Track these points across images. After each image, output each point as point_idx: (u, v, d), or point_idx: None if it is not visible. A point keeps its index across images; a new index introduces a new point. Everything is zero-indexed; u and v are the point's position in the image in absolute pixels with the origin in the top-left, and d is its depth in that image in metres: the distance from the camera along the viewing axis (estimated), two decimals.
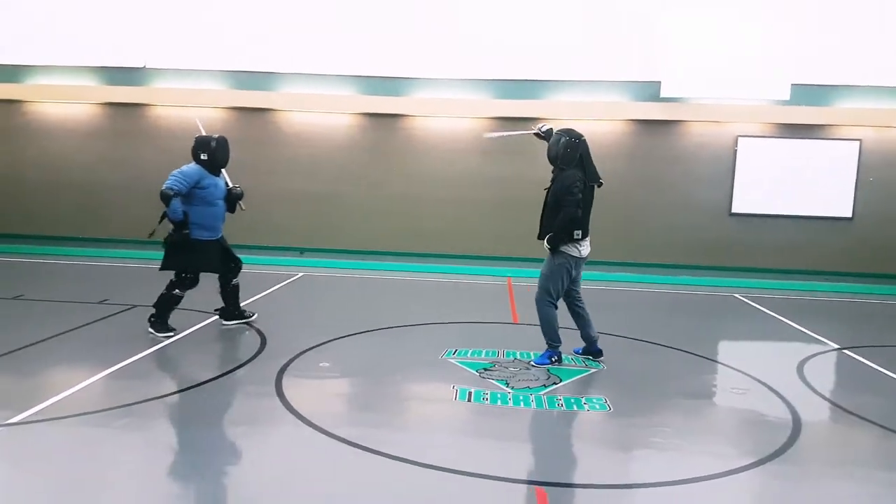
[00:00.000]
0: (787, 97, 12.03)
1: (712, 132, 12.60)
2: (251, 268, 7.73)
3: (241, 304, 7.83)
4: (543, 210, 6.54)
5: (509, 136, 7.90)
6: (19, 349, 6.44)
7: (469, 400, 5.52)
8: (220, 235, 7.37)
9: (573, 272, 6.51)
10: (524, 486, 4.11)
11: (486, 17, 12.65)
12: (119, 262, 12.11)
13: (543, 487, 4.06)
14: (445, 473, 4.16)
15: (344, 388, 5.98)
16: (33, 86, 13.37)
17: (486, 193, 12.84)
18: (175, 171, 6.95)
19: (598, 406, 5.49)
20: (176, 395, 5.47)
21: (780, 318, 9.40)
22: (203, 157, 7.15)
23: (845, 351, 7.69)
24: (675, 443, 4.89)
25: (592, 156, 6.50)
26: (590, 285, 11.09)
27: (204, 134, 7.35)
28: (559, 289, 6.48)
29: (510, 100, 12.51)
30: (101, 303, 8.59)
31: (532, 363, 6.54)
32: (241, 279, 7.72)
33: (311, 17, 12.87)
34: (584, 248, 6.45)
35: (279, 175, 13.02)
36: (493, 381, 5.98)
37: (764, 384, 6.24)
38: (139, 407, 5.08)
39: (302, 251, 13.11)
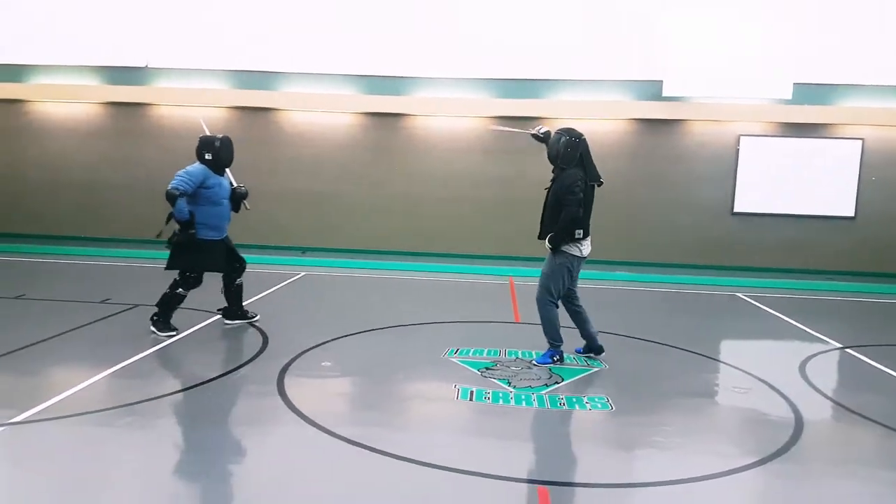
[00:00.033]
0: (790, 96, 12.04)
1: (714, 131, 12.60)
2: (253, 267, 7.74)
3: (244, 304, 7.83)
4: (544, 210, 6.54)
5: (513, 132, 7.89)
6: (21, 348, 6.45)
7: (471, 399, 5.52)
8: (225, 235, 7.39)
9: (574, 271, 6.51)
10: (526, 486, 4.11)
11: (488, 16, 12.66)
12: (121, 262, 12.12)
13: (545, 486, 4.06)
14: (447, 472, 4.15)
15: (346, 388, 5.98)
16: (35, 85, 13.39)
17: (487, 192, 12.85)
18: (180, 172, 6.95)
19: (599, 405, 5.49)
20: (178, 395, 5.47)
21: (782, 317, 9.39)
22: (207, 156, 7.15)
23: (847, 350, 7.68)
24: (677, 442, 4.88)
25: (593, 155, 6.49)
26: (592, 284, 11.14)
27: (208, 134, 7.35)
28: (560, 288, 6.48)
29: (512, 99, 12.52)
30: (102, 302, 8.59)
31: (534, 362, 6.54)
32: (243, 278, 7.72)
33: (313, 17, 12.89)
34: (585, 248, 6.45)
35: (281, 174, 13.04)
36: (495, 381, 5.98)
37: (766, 383, 6.23)
38: (141, 406, 5.09)
39: (303, 250, 13.12)
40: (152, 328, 7.10)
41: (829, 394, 6.18)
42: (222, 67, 13.14)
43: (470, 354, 6.78)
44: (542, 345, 6.66)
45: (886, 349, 7.72)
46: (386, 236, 13.20)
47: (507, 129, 8.03)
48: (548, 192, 6.54)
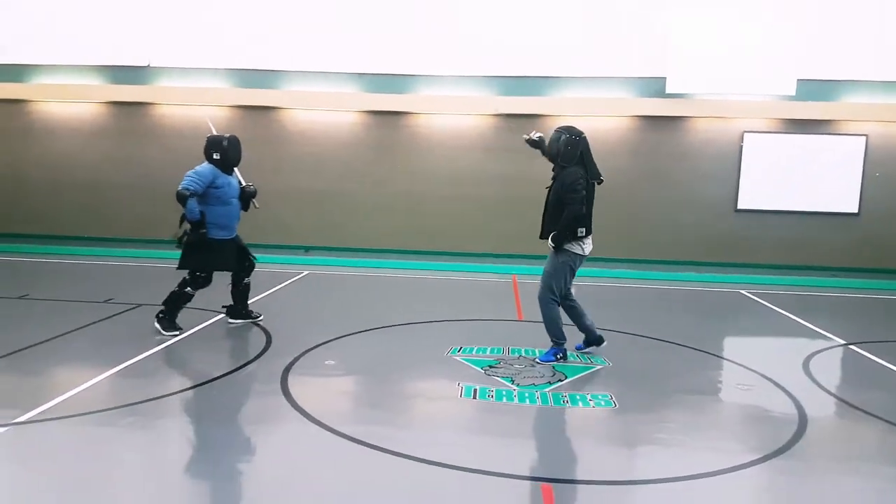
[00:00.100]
0: (793, 92, 12.00)
1: (718, 128, 12.57)
2: (256, 266, 7.74)
3: (248, 303, 7.85)
4: (545, 209, 6.54)
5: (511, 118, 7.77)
6: (25, 348, 6.46)
7: (474, 397, 5.53)
8: (235, 234, 7.41)
9: (576, 270, 6.52)
10: (530, 483, 4.12)
11: (490, 13, 12.63)
12: (124, 262, 12.14)
13: (549, 484, 4.06)
14: (451, 470, 4.16)
15: (349, 386, 5.99)
16: (37, 85, 13.40)
17: (490, 190, 12.84)
18: (189, 172, 6.97)
19: (603, 402, 5.49)
20: (182, 394, 5.48)
21: (785, 313, 9.38)
22: (216, 156, 7.16)
23: (851, 347, 7.67)
24: (681, 439, 4.88)
25: (595, 152, 6.49)
26: (595, 282, 11.16)
27: (215, 133, 7.37)
28: (562, 286, 6.49)
29: (515, 96, 12.49)
30: (106, 302, 8.61)
31: (537, 360, 6.55)
32: (251, 278, 7.72)
33: (315, 15, 12.87)
34: (587, 246, 6.45)
35: (284, 173, 13.03)
36: (499, 379, 5.98)
37: (770, 380, 6.23)
38: (145, 405, 5.10)
39: (307, 249, 13.12)
40: (157, 325, 7.11)
41: (833, 390, 6.18)
42: (225, 66, 13.13)
43: (473, 353, 6.79)
44: (546, 343, 6.65)
45: (890, 345, 7.71)
46: (389, 235, 13.20)
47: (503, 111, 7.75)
48: (549, 191, 6.54)
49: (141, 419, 4.85)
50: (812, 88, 12.18)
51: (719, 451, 4.64)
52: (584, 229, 6.30)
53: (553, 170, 6.57)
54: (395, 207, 13.15)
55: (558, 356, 6.53)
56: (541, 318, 6.61)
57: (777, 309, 9.68)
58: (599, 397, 5.60)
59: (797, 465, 4.48)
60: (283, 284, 10.23)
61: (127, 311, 8.15)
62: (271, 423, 4.99)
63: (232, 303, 7.68)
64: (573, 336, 6.83)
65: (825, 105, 12.19)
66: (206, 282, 7.22)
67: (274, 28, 12.94)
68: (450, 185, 12.99)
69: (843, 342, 7.84)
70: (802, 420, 5.23)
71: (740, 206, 12.65)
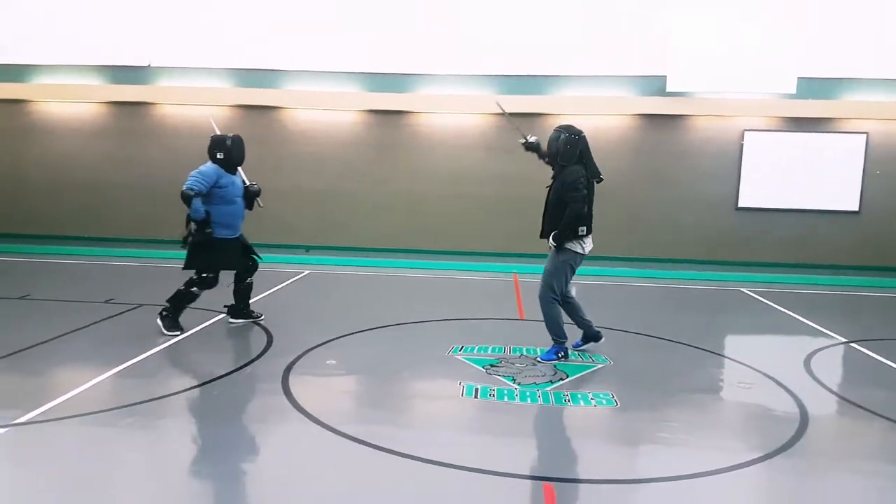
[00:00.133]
0: (794, 91, 11.99)
1: (718, 126, 12.57)
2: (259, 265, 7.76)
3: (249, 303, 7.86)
4: (545, 208, 6.54)
5: (511, 119, 7.73)
6: (26, 349, 6.46)
7: (476, 396, 5.53)
8: (239, 233, 7.42)
9: (576, 268, 6.53)
10: (531, 482, 4.12)
11: (491, 12, 12.63)
12: (124, 262, 12.14)
13: (551, 483, 4.06)
14: (452, 470, 4.16)
15: (350, 386, 5.98)
16: (37, 85, 13.40)
17: (491, 189, 12.83)
18: (193, 172, 6.98)
19: (604, 401, 5.49)
20: (183, 394, 5.47)
21: (786, 311, 9.38)
22: (219, 156, 7.18)
23: (852, 344, 7.67)
24: (682, 437, 4.88)
25: (595, 151, 6.49)
26: (596, 281, 11.16)
27: (219, 133, 7.37)
28: (563, 285, 6.50)
29: (515, 95, 12.48)
30: (106, 302, 8.61)
31: (538, 359, 6.54)
32: (253, 278, 7.72)
33: (315, 15, 12.87)
34: (588, 245, 6.46)
35: (284, 172, 13.03)
36: (500, 378, 5.98)
37: (771, 378, 6.23)
38: (146, 406, 5.10)
39: (307, 248, 13.12)
40: (159, 323, 7.11)
41: (834, 388, 6.17)
42: (225, 66, 13.14)
43: (474, 352, 6.79)
44: (547, 341, 6.65)
45: (891, 343, 7.71)
46: (390, 234, 13.20)
47: (507, 112, 7.82)
48: (549, 190, 6.55)
49: (141, 419, 4.85)
50: (812, 86, 12.17)
51: (721, 450, 4.63)
52: (584, 228, 6.31)
53: (553, 169, 6.58)
54: (395, 207, 13.15)
55: (559, 355, 6.53)
56: (542, 317, 6.62)
57: (778, 307, 9.68)
58: (601, 396, 5.60)
59: (799, 464, 4.48)
60: (283, 284, 10.23)
61: (127, 311, 8.15)
62: (272, 422, 4.99)
63: (233, 302, 7.68)
64: (573, 334, 6.83)
65: (825, 103, 12.19)
66: (214, 282, 7.24)
67: (274, 27, 12.94)
68: (451, 184, 12.99)
69: (844, 340, 7.84)
70: (804, 418, 5.23)
71: (741, 204, 12.65)
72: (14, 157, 13.67)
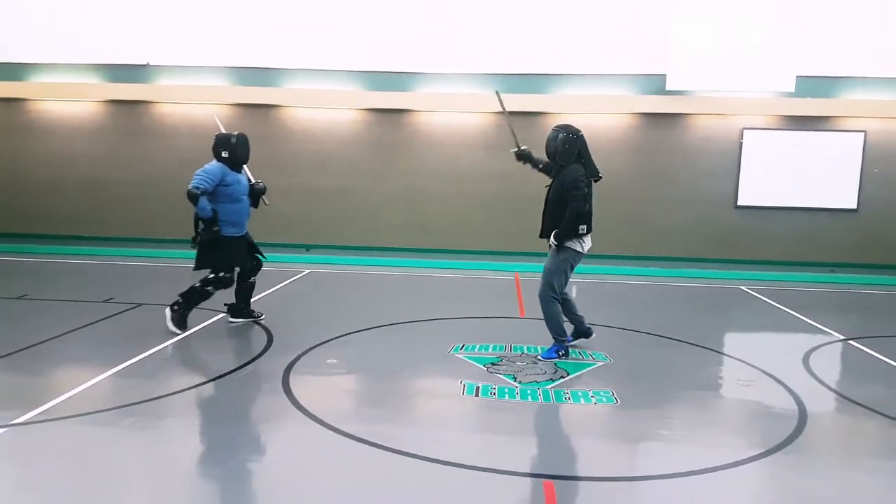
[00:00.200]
0: (793, 89, 11.99)
1: (718, 125, 12.57)
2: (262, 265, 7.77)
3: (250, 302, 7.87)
4: (545, 208, 6.55)
5: (509, 115, 7.53)
6: (25, 349, 6.46)
7: (477, 395, 5.53)
8: (245, 231, 7.45)
9: (575, 267, 6.55)
10: (532, 480, 4.13)
11: (491, 11, 12.62)
12: (123, 261, 12.14)
13: (551, 480, 4.07)
14: (453, 468, 4.17)
15: (351, 385, 5.99)
16: (36, 84, 13.39)
17: (491, 188, 12.83)
18: (198, 171, 7.00)
19: (605, 399, 5.50)
20: (183, 393, 5.47)
21: (785, 309, 9.39)
22: (224, 154, 7.19)
23: (851, 342, 7.68)
24: (682, 435, 4.90)
25: (596, 150, 6.50)
26: (595, 279, 11.16)
27: (223, 131, 7.38)
28: (563, 284, 6.52)
29: (515, 94, 12.47)
30: (106, 301, 8.61)
31: (539, 357, 6.56)
32: (256, 277, 7.73)
33: (316, 13, 12.86)
34: (587, 244, 6.48)
35: (285, 171, 13.01)
36: (501, 376, 5.99)
37: (770, 375, 6.24)
38: (146, 405, 5.10)
39: (307, 248, 13.12)
40: (168, 313, 7.11)
41: (833, 385, 6.19)
42: (225, 64, 13.13)
43: (475, 350, 6.80)
44: (548, 340, 6.67)
45: (889, 340, 7.73)
46: (390, 232, 13.20)
47: (506, 110, 7.65)
48: (548, 189, 6.56)
49: (142, 419, 4.85)
50: (811, 85, 12.18)
51: (720, 447, 4.65)
52: (584, 227, 6.33)
53: (553, 168, 6.59)
54: (396, 205, 13.15)
55: (560, 353, 6.55)
56: (542, 316, 6.63)
57: (777, 305, 9.69)
58: (601, 394, 5.61)
59: (798, 461, 4.49)
60: (284, 283, 10.24)
61: (127, 310, 8.16)
62: (273, 422, 5.00)
63: (234, 301, 7.69)
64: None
65: (824, 101, 12.20)
66: (231, 282, 7.30)
67: (274, 26, 12.93)
68: (451, 183, 12.99)
69: (842, 337, 7.86)
70: (803, 415, 5.24)
71: (740, 202, 12.66)
72: (12, 156, 13.65)
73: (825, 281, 11.85)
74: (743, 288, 11.03)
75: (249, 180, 7.53)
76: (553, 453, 4.64)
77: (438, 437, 4.74)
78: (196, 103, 12.99)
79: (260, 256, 7.69)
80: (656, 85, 12.39)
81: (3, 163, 13.67)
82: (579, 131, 6.43)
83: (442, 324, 8.03)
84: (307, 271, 11.42)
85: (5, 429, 4.59)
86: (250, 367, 6.21)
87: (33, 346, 6.55)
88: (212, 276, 7.18)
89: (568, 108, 12.28)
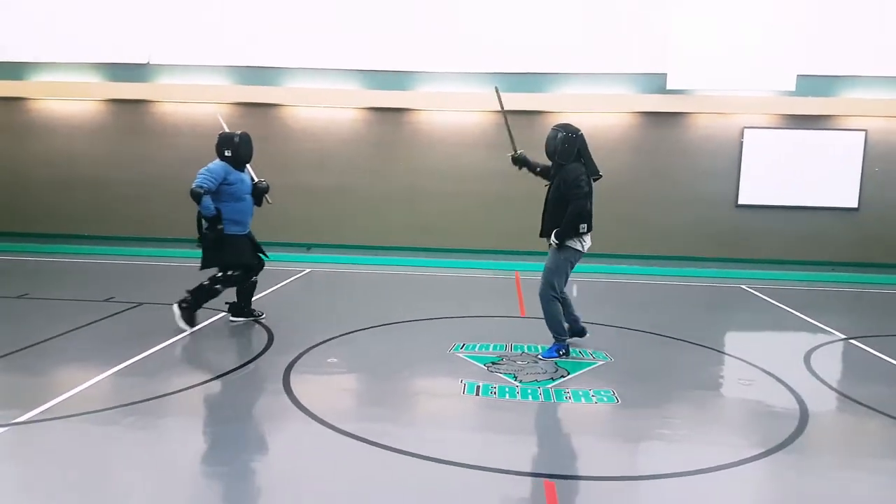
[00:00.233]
0: (793, 88, 12.00)
1: (718, 124, 12.57)
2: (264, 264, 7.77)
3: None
4: (545, 207, 6.55)
5: (506, 116, 7.46)
6: (26, 348, 6.46)
7: (477, 394, 5.53)
8: (249, 230, 7.48)
9: (574, 266, 6.55)
10: (532, 479, 4.12)
11: (491, 10, 12.62)
12: (123, 260, 12.13)
13: (552, 480, 4.07)
14: (454, 467, 4.16)
15: (352, 384, 5.99)
16: (37, 83, 13.39)
17: (492, 187, 12.82)
18: (202, 170, 7.02)
19: (605, 398, 5.50)
20: (184, 392, 5.46)
21: (786, 308, 9.39)
22: (227, 153, 7.21)
23: (852, 341, 7.68)
24: (683, 434, 4.89)
25: (596, 148, 6.50)
26: (596, 278, 11.15)
27: (227, 131, 7.39)
28: (563, 283, 6.52)
29: (516, 93, 12.46)
30: (106, 301, 8.60)
31: (540, 356, 6.55)
32: (257, 276, 7.73)
33: (316, 12, 12.87)
34: (587, 243, 6.49)
35: (285, 170, 13.00)
36: (501, 375, 5.99)
37: (771, 375, 6.24)
38: (147, 404, 5.10)
39: (308, 247, 13.12)
40: (177, 312, 7.11)
41: (834, 385, 6.19)
42: (225, 63, 13.13)
43: (476, 349, 6.79)
44: (548, 339, 6.67)
45: (890, 339, 7.72)
46: (391, 232, 13.20)
47: (504, 109, 7.58)
48: (548, 189, 6.56)
49: (142, 418, 4.85)
50: (812, 84, 12.18)
51: (721, 446, 4.64)
52: (585, 225, 6.33)
53: (552, 167, 6.59)
54: (396, 204, 13.16)
55: (561, 352, 6.54)
56: (542, 315, 6.63)
57: (778, 304, 9.69)
58: (602, 393, 5.61)
59: (799, 460, 4.49)
60: (285, 282, 10.24)
61: (128, 309, 8.15)
62: (274, 421, 5.00)
63: (235, 300, 7.69)
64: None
65: (825, 100, 12.20)
66: (240, 280, 7.35)
67: (274, 25, 12.94)
68: (452, 182, 13.00)
69: (843, 337, 7.85)
70: (804, 415, 5.24)
71: (741, 201, 12.67)
72: (13, 155, 13.66)
73: (826, 280, 11.85)
74: (744, 287, 11.02)
75: (253, 179, 7.55)
76: (554, 453, 4.64)
77: (439, 436, 4.73)
78: (197, 102, 12.99)
79: (262, 256, 7.69)
80: (656, 84, 12.39)
81: (4, 162, 13.67)
82: (579, 130, 6.43)
83: (442, 323, 8.02)
84: (308, 270, 11.41)
85: (6, 428, 4.58)
86: (251, 366, 6.21)
87: (34, 345, 6.55)
88: (220, 274, 7.22)
89: (568, 107, 12.28)
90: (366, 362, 6.43)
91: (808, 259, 12.57)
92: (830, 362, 7.02)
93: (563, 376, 6.00)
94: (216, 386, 5.66)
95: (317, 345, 6.81)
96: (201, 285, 7.19)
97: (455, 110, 12.86)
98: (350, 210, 13.25)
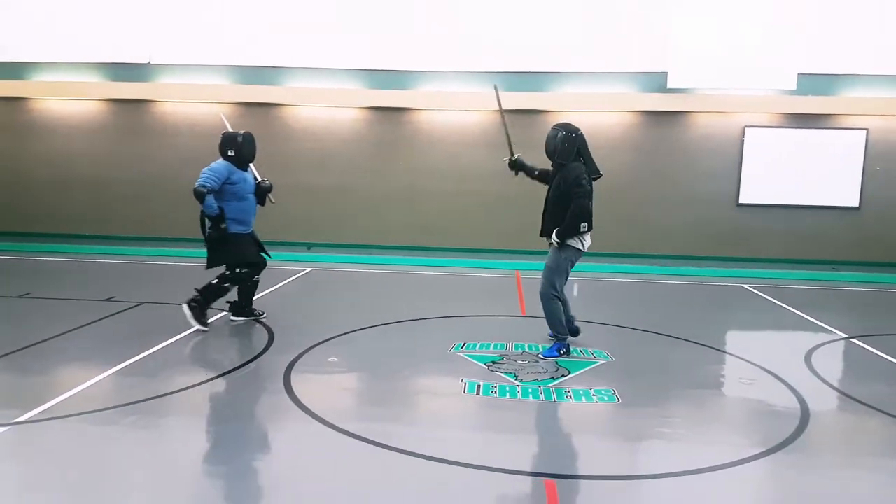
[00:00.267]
0: (794, 87, 12.00)
1: (719, 123, 12.57)
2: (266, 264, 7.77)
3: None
4: (545, 207, 6.55)
5: (504, 116, 7.43)
6: (26, 347, 6.46)
7: (478, 393, 5.53)
8: (251, 229, 7.49)
9: (574, 265, 6.55)
10: (533, 479, 4.12)
11: (492, 10, 12.62)
12: (124, 259, 12.12)
13: (552, 479, 4.06)
14: (454, 467, 4.16)
15: (352, 383, 5.99)
16: (37, 82, 13.40)
17: (492, 187, 12.82)
18: (205, 169, 7.03)
19: (606, 397, 5.49)
20: (185, 391, 5.46)
21: (787, 307, 9.38)
22: (230, 153, 7.21)
23: (853, 340, 7.67)
24: (684, 433, 4.89)
25: (597, 147, 6.50)
26: (596, 277, 11.15)
27: (230, 130, 7.39)
28: (564, 282, 6.53)
29: (517, 92, 12.47)
30: (107, 300, 8.60)
31: (540, 356, 6.55)
32: (259, 276, 7.73)
33: (316, 12, 12.87)
34: (587, 242, 6.49)
35: (285, 170, 13.00)
36: (502, 374, 5.98)
37: (772, 374, 6.23)
38: (148, 404, 5.10)
39: (309, 246, 13.13)
40: (188, 312, 7.12)
41: (835, 384, 6.18)
42: (225, 63, 13.14)
43: (476, 349, 6.79)
44: (549, 338, 6.66)
45: (891, 339, 7.71)
46: (391, 231, 13.21)
47: (503, 108, 7.42)
48: (549, 189, 6.56)
49: (143, 417, 4.85)
50: (813, 83, 12.18)
51: (722, 446, 4.64)
52: (586, 224, 6.33)
53: (552, 167, 6.59)
54: (397, 203, 13.16)
55: (561, 351, 6.54)
56: (543, 314, 6.63)
57: (779, 303, 9.68)
58: (602, 392, 5.60)
59: (800, 459, 4.48)
60: (285, 281, 10.23)
61: (128, 309, 8.15)
62: (274, 420, 5.00)
63: (236, 299, 7.69)
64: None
65: (826, 99, 12.20)
66: (248, 277, 7.38)
67: (275, 24, 12.94)
68: (452, 181, 13.00)
69: (844, 336, 7.84)
70: (805, 414, 5.23)
71: (742, 200, 12.67)
72: (14, 155, 13.67)
73: (827, 279, 11.84)
74: (744, 286, 11.01)
75: (256, 178, 7.55)
76: (554, 452, 4.64)
77: (439, 435, 4.73)
78: (197, 102, 13.00)
79: (265, 255, 7.69)
80: (657, 83, 12.39)
81: (5, 162, 13.69)
82: (578, 129, 6.43)
83: (443, 322, 8.02)
84: (308, 270, 11.41)
85: (6, 428, 4.58)
86: (252, 365, 6.21)
87: (35, 344, 6.55)
88: (228, 272, 7.24)
89: (569, 105, 12.28)
90: (366, 362, 6.43)
91: (809, 258, 12.57)
92: (831, 361, 7.02)
93: (563, 375, 6.00)
94: (217, 385, 5.65)
95: (317, 344, 6.81)
96: (210, 284, 7.21)
97: (455, 110, 12.87)
98: (350, 209, 13.25)
